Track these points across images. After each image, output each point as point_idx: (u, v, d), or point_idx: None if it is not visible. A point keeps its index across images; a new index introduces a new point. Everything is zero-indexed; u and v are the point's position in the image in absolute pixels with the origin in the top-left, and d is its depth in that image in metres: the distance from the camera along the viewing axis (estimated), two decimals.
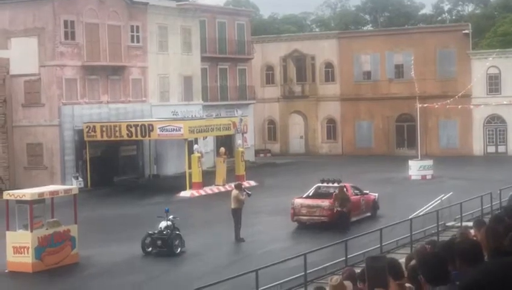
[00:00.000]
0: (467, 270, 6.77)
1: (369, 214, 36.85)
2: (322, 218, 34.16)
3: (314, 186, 37.30)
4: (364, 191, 37.84)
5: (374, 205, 37.61)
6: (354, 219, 34.78)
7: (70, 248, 29.08)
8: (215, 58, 67.25)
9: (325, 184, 36.99)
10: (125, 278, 26.64)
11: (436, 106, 61.56)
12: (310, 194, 36.47)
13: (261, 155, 74.85)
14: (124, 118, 55.38)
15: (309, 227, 34.82)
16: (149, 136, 51.99)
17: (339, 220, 33.08)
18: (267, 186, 52.05)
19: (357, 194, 36.74)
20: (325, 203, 34.47)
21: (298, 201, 35.26)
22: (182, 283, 24.15)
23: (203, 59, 65.36)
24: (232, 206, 32.76)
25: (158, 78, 60.78)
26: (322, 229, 33.93)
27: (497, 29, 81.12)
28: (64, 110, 52.99)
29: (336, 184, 35.85)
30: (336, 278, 9.98)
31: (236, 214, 32.57)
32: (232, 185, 36.83)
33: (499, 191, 36.08)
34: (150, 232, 30.24)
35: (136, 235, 31.45)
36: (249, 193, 33.87)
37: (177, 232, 30.33)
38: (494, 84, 70.54)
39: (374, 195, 38.11)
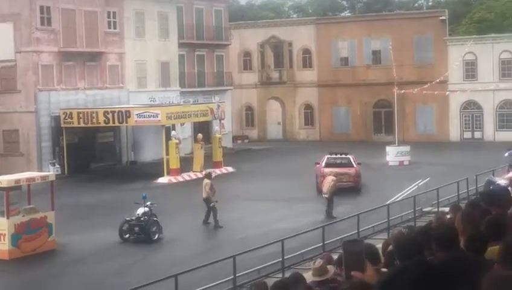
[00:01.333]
0: (443, 254, 6.80)
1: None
2: (349, 183, 40.68)
3: (325, 158, 43.25)
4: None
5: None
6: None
7: (47, 234, 28.99)
8: (192, 44, 67.05)
9: (333, 155, 43.58)
10: (102, 265, 26.60)
11: (414, 92, 61.68)
12: (324, 164, 42.02)
13: (239, 141, 74.82)
14: (101, 105, 55.14)
15: (287, 212, 34.97)
16: (126, 122, 51.81)
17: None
18: (245, 173, 52.10)
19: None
20: (352, 170, 41.58)
21: (327, 170, 39.56)
22: (160, 269, 24.13)
23: (181, 45, 65.15)
24: (204, 195, 32.79)
25: (135, 65, 60.53)
26: (300, 214, 34.07)
27: (473, 15, 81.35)
28: (40, 96, 52.67)
29: (343, 155, 43.30)
30: (318, 262, 10.02)
31: (209, 202, 32.67)
32: (204, 173, 36.59)
33: (475, 177, 36.35)
34: (127, 218, 30.21)
35: (113, 222, 31.40)
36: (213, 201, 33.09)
37: (155, 218, 30.32)
38: (470, 70, 70.83)
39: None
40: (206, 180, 33.56)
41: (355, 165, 42.15)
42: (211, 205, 32.79)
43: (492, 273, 4.84)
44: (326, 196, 34.20)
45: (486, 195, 9.90)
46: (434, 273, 3.44)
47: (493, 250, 6.55)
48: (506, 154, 38.61)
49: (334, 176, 35.68)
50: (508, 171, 36.52)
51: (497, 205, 8.63)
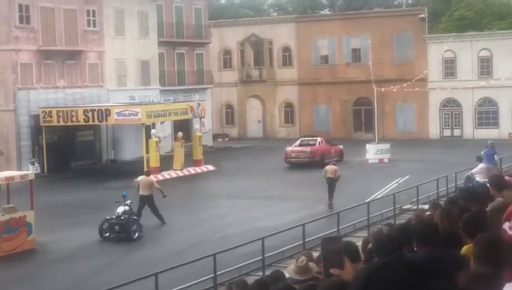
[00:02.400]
0: (424, 251, 6.82)
1: (337, 158, 50.34)
2: (306, 159, 51.33)
3: (299, 140, 54.84)
4: (334, 143, 55.01)
5: (340, 153, 53.98)
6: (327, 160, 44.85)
7: (26, 234, 28.85)
8: (172, 42, 66.96)
9: (306, 138, 55.62)
10: (82, 264, 26.52)
11: (394, 90, 61.80)
12: (297, 145, 53.22)
13: (219, 140, 74.78)
14: (81, 103, 54.98)
15: (267, 209, 35.02)
16: (106, 121, 51.68)
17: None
18: (225, 171, 52.11)
19: (328, 145, 53.94)
20: (308, 149, 52.19)
21: (289, 148, 52.83)
22: (140, 267, 24.07)
23: (160, 43, 65.05)
24: (144, 193, 32.16)
25: (115, 63, 60.36)
26: (280, 212, 34.12)
27: (452, 13, 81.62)
28: (19, 95, 52.41)
29: (313, 138, 55.00)
30: (301, 259, 9.99)
31: (143, 200, 32.20)
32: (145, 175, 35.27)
33: (454, 174, 36.44)
34: (107, 217, 30.12)
35: (93, 221, 31.30)
36: (165, 195, 32.93)
37: (135, 217, 30.26)
38: (449, 68, 71.13)
39: (340, 146, 54.72)
40: (148, 178, 33.06)
41: (317, 145, 52.74)
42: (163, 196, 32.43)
43: (468, 271, 4.88)
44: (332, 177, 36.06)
45: (465, 192, 9.94)
46: (411, 270, 3.45)
47: (469, 247, 6.59)
48: (483, 152, 38.86)
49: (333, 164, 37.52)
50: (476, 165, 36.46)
51: (476, 202, 8.67)
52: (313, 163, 49.90)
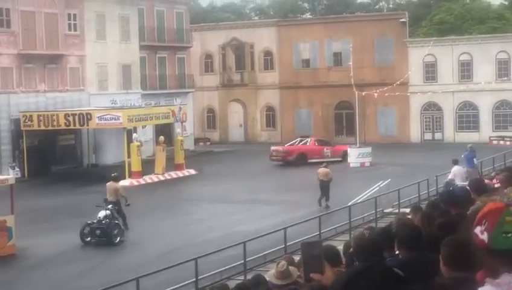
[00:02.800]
0: (407, 254, 6.84)
1: (339, 159, 53.76)
2: (279, 158, 55.10)
3: (297, 140, 58.01)
4: (334, 144, 59.01)
5: (343, 154, 54.86)
6: (314, 161, 50.46)
7: (6, 238, 28.67)
8: (153, 46, 66.88)
9: (301, 138, 58.46)
10: (63, 269, 26.40)
11: (375, 95, 61.90)
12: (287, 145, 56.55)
13: (201, 144, 74.71)
14: (62, 107, 54.79)
15: (249, 214, 35.04)
16: (87, 125, 51.55)
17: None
18: (207, 175, 52.04)
19: (321, 145, 56.75)
20: (280, 148, 56.28)
21: (272, 148, 56.50)
22: (122, 272, 24.00)
23: (142, 47, 64.95)
24: (110, 198, 31.82)
25: (96, 67, 60.20)
26: (262, 216, 34.13)
27: (433, 17, 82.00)
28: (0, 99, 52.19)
29: (308, 139, 57.84)
30: (282, 264, 9.99)
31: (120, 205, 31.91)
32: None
33: (435, 178, 36.60)
34: (88, 221, 30.02)
35: (74, 225, 31.16)
36: (127, 203, 32.51)
37: (116, 221, 30.18)
38: (430, 72, 71.43)
39: (345, 147, 56.06)
40: (113, 184, 32.76)
41: (296, 145, 56.63)
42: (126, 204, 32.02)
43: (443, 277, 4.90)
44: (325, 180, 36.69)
45: (446, 196, 9.97)
46: (391, 274, 3.46)
47: None
48: (463, 156, 39.09)
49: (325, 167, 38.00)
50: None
51: (457, 206, 8.70)
52: (289, 162, 54.33)
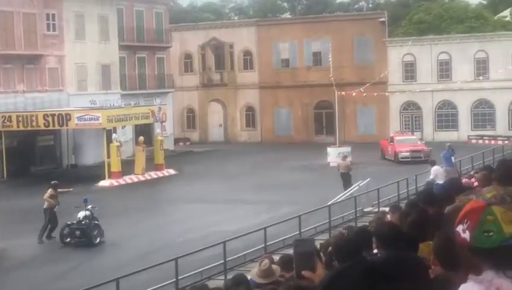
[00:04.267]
0: (385, 253, 6.88)
1: None
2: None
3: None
4: None
5: None
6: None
7: None
8: (133, 46, 66.74)
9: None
10: (43, 270, 26.32)
11: (354, 94, 62.04)
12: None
13: (180, 144, 74.60)
14: (41, 108, 54.55)
15: (229, 214, 35.05)
16: (67, 125, 51.39)
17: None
18: (187, 175, 52.00)
19: None
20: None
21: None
22: (102, 273, 23.96)
23: (121, 48, 64.79)
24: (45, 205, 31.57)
25: (75, 67, 60.00)
26: (242, 215, 34.16)
27: (412, 17, 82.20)
28: None
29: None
30: (265, 263, 10.03)
31: (46, 213, 31.64)
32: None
33: (414, 177, 36.74)
34: (68, 222, 29.95)
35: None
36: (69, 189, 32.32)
37: (96, 222, 30.11)
38: (409, 71, 71.71)
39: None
40: (50, 190, 32.46)
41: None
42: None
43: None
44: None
45: (423, 195, 10.03)
46: (373, 273, 3.50)
47: (421, 248, 6.66)
48: (441, 155, 39.29)
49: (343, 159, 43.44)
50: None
51: (434, 205, 8.75)
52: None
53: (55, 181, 33.02)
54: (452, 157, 38.90)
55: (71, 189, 33.56)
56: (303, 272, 5.24)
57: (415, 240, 6.77)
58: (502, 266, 3.40)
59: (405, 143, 55.93)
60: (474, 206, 3.57)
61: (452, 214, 5.29)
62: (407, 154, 54.28)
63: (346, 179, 39.79)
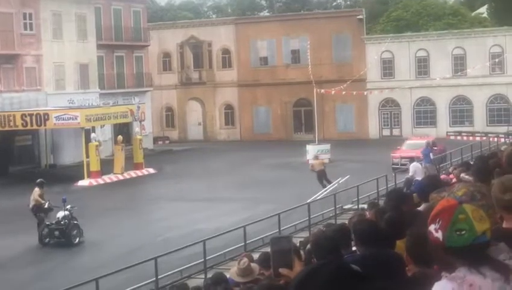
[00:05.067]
0: (364, 250, 6.90)
1: None
2: None
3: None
4: None
5: None
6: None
7: None
8: (111, 45, 66.53)
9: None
10: (22, 271, 26.20)
11: (333, 93, 62.04)
12: None
13: (160, 142, 74.50)
14: (19, 108, 54.26)
15: (208, 212, 35.04)
16: (45, 125, 51.15)
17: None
18: (166, 174, 51.96)
19: None
20: None
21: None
22: (81, 273, 23.87)
23: (99, 47, 64.57)
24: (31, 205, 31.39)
25: (53, 67, 59.73)
26: (221, 214, 34.15)
27: (390, 14, 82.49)
28: None
29: None
30: (244, 261, 10.02)
31: (34, 211, 31.44)
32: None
33: (393, 174, 36.85)
34: (47, 222, 29.81)
35: (32, 227, 30.90)
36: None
37: (75, 222, 29.98)
38: (388, 68, 71.93)
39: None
40: (37, 189, 32.39)
41: None
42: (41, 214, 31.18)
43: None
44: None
45: (394, 194, 10.07)
46: (346, 271, 3.51)
47: (399, 244, 6.69)
48: (421, 152, 39.42)
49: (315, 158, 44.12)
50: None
51: (405, 203, 8.80)
52: None
53: (41, 179, 32.72)
54: (431, 154, 39.07)
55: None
56: (280, 270, 5.24)
57: (393, 237, 6.79)
58: (474, 263, 3.43)
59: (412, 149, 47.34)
60: (445, 206, 3.59)
61: (428, 213, 5.33)
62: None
63: (323, 176, 40.38)
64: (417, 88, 69.86)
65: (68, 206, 30.14)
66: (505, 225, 4.70)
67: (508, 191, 4.71)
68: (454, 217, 3.46)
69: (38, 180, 32.62)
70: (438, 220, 3.50)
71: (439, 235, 3.46)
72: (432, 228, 3.51)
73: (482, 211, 3.57)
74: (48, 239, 29.62)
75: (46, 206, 31.28)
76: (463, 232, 3.43)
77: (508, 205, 4.67)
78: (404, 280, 5.33)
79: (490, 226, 3.53)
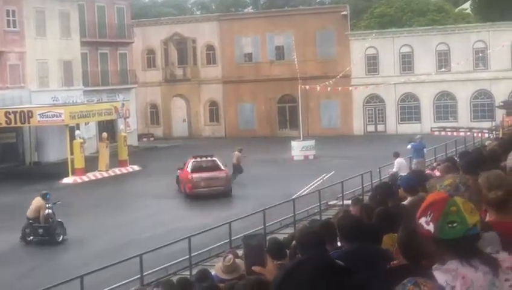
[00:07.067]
0: (349, 246, 6.88)
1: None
2: (220, 188, 38.56)
3: (190, 162, 40.66)
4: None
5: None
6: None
7: None
8: (95, 42, 66.33)
9: (198, 159, 41.28)
10: (5, 269, 26.06)
11: (318, 89, 62.01)
12: (190, 169, 39.68)
13: (144, 139, 74.41)
14: (2, 105, 54.01)
15: (194, 209, 34.97)
16: (29, 122, 50.97)
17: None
18: (151, 171, 51.84)
19: None
20: (222, 174, 39.30)
21: (196, 175, 38.66)
22: (66, 271, 23.78)
23: (83, 44, 64.35)
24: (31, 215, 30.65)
25: (37, 64, 59.48)
26: (206, 210, 34.12)
27: (374, 10, 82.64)
28: None
29: (209, 158, 41.34)
30: (229, 258, 9.98)
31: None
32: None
33: (378, 169, 36.90)
34: (30, 221, 29.66)
35: (16, 224, 30.76)
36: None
37: (59, 220, 29.86)
38: (372, 64, 72.03)
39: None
40: (39, 199, 31.88)
41: (223, 168, 40.05)
42: None
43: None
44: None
45: (381, 188, 10.07)
46: (328, 267, 3.47)
47: (384, 239, 6.67)
48: (409, 146, 39.39)
49: (238, 151, 44.88)
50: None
51: (392, 198, 8.79)
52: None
53: (46, 191, 31.82)
54: (424, 149, 39.13)
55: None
56: (253, 267, 5.24)
57: (378, 232, 6.77)
58: (465, 255, 3.44)
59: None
60: (436, 198, 3.60)
61: (415, 207, 5.32)
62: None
63: (237, 169, 43.30)
64: (401, 84, 69.98)
65: (50, 204, 29.88)
66: (488, 218, 4.73)
67: (493, 189, 4.74)
68: (446, 209, 3.46)
69: (44, 191, 31.61)
70: (429, 213, 3.50)
71: (430, 227, 3.46)
72: (422, 220, 3.50)
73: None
74: (31, 237, 29.49)
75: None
76: (455, 224, 3.43)
77: (493, 203, 4.71)
78: (382, 272, 5.31)
79: (479, 219, 3.53)
